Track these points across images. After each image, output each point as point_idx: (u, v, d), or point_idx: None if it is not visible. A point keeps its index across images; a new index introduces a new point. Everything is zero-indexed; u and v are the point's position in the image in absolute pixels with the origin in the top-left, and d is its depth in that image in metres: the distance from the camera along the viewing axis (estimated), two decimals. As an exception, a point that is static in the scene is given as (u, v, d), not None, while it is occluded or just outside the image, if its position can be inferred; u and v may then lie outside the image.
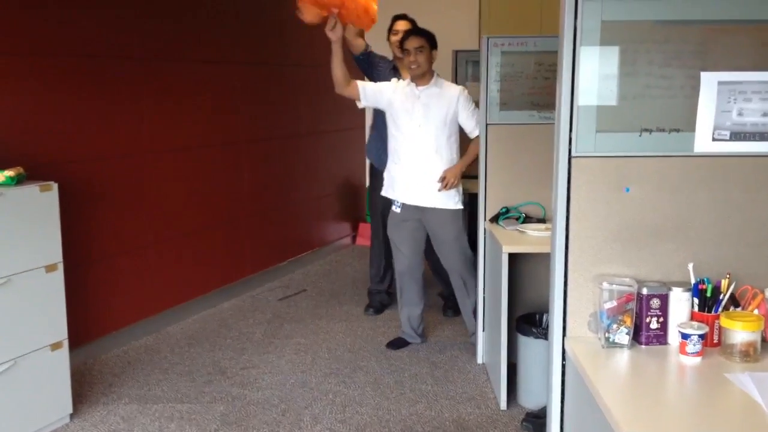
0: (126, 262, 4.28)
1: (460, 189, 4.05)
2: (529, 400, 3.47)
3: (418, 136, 3.97)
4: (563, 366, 2.19)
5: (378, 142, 4.55)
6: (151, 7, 4.36)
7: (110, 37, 4.11)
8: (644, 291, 2.10)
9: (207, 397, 3.64)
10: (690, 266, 2.13)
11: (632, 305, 2.08)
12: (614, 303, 2.07)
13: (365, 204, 6.64)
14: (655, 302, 2.10)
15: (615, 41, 2.12)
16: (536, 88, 3.88)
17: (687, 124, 2.14)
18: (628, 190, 2.15)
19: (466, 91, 4.02)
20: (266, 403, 3.56)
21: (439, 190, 3.95)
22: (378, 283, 4.97)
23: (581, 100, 2.12)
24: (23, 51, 3.59)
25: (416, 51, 3.89)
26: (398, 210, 4.08)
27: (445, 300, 4.89)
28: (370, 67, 4.49)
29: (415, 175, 4.00)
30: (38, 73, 3.70)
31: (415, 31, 4.05)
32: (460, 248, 4.07)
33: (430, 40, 3.95)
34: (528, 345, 3.44)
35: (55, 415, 3.29)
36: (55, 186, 3.18)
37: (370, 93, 3.99)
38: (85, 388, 3.68)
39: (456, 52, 5.89)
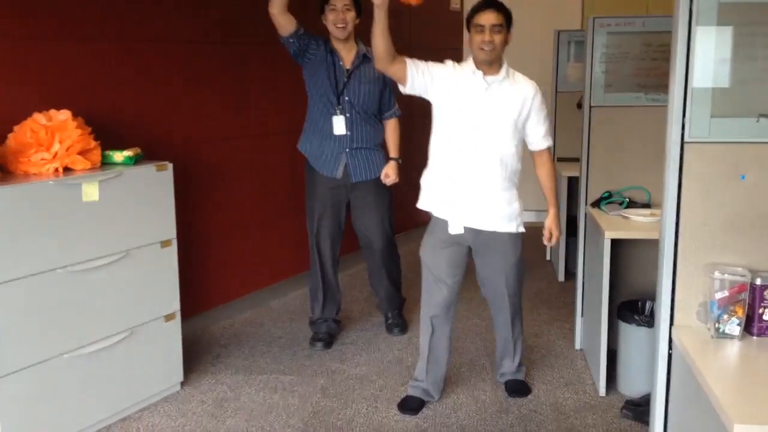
0: (232, 239, 4.45)
1: (521, 209, 3.26)
2: (628, 388, 3.42)
3: (481, 141, 3.10)
4: (669, 355, 2.16)
5: (310, 133, 3.93)
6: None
7: (221, 23, 4.26)
8: (758, 281, 2.04)
9: (308, 370, 3.77)
10: (809, 257, 2.05)
11: (745, 296, 2.03)
12: (726, 293, 2.02)
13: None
14: (770, 293, 2.04)
15: (732, 22, 2.05)
16: (643, 69, 3.78)
17: (809, 109, 2.05)
18: (743, 177, 2.09)
19: (540, 91, 3.21)
20: (364, 379, 3.65)
21: (548, 244, 3.34)
22: (321, 310, 4.10)
23: (696, 82, 2.06)
24: (142, 37, 3.78)
25: (493, 29, 3.03)
26: (460, 229, 3.17)
27: (386, 316, 4.29)
28: (300, 53, 3.76)
29: (476, 190, 3.13)
30: (156, 58, 3.88)
31: (493, 3, 3.09)
32: (518, 275, 3.31)
33: (508, 18, 3.12)
34: (630, 332, 3.38)
35: (168, 382, 3.48)
36: (170, 166, 3.34)
37: (419, 75, 3.08)
38: (194, 358, 3.88)
39: (558, 32, 5.78)
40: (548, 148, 3.27)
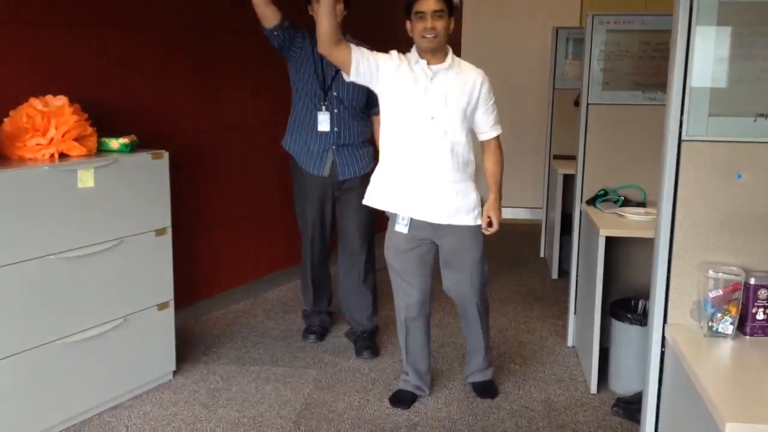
0: (227, 230, 4.45)
1: (479, 200, 3.20)
2: (620, 386, 3.43)
3: (431, 131, 3.03)
4: (662, 353, 2.17)
5: (295, 131, 3.80)
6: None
7: (219, 13, 4.24)
8: (752, 281, 2.05)
9: (300, 362, 3.77)
10: (803, 258, 2.06)
11: (738, 295, 2.04)
12: (720, 292, 2.03)
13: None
14: (763, 293, 2.05)
15: (732, 22, 2.05)
16: (641, 67, 3.78)
17: (807, 110, 2.05)
18: (739, 176, 2.09)
19: (488, 79, 3.12)
20: (357, 372, 3.66)
21: (488, 233, 3.20)
22: (313, 302, 4.08)
23: (695, 81, 2.07)
24: (140, 24, 3.76)
25: (434, 15, 2.96)
26: (405, 229, 3.11)
27: (356, 340, 3.96)
28: (285, 46, 3.63)
29: (427, 182, 3.07)
30: (152, 47, 3.86)
31: None
32: (482, 271, 3.23)
33: (449, 4, 3.03)
34: (622, 330, 3.39)
35: (160, 371, 3.47)
36: (166, 154, 3.33)
37: (364, 62, 3.00)
38: (187, 348, 3.87)
39: (557, 29, 5.78)
40: (497, 137, 3.22)
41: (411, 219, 3.11)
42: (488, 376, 3.46)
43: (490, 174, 3.25)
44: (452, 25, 3.07)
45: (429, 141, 3.04)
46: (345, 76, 3.10)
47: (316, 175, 3.75)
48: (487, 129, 3.18)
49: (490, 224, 3.18)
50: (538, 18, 6.61)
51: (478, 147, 3.22)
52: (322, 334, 4.06)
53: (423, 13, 2.97)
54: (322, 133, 3.69)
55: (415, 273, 3.18)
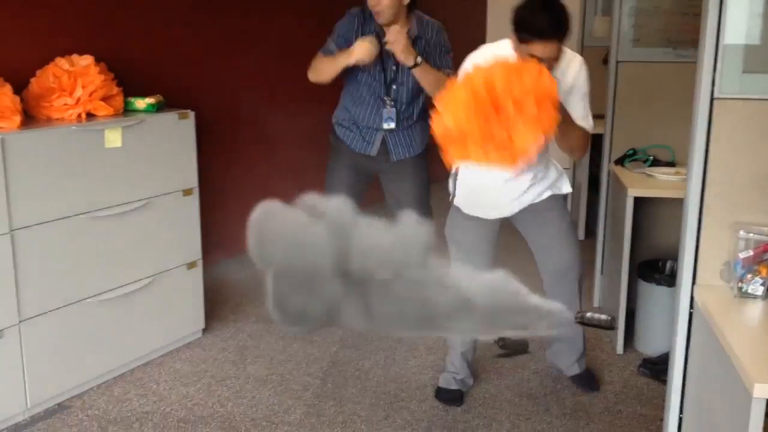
0: (255, 190, 4.46)
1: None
2: (647, 347, 3.42)
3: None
4: (690, 314, 2.15)
5: (348, 104, 3.39)
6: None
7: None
8: (784, 242, 2.01)
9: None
10: (837, 218, 2.02)
11: (770, 256, 2.00)
12: (750, 252, 2.00)
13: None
14: (795, 254, 2.01)
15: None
16: (673, 24, 3.69)
17: None
18: (773, 135, 2.04)
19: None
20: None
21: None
22: None
23: (728, 38, 2.01)
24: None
25: None
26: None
27: None
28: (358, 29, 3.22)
29: (498, 182, 2.77)
30: (180, 4, 3.84)
31: None
32: (575, 236, 2.99)
33: None
34: (650, 291, 3.37)
35: (189, 329, 3.53)
36: (192, 114, 3.34)
37: None
38: (216, 306, 3.92)
39: (586, -16, 5.65)
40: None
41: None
42: (584, 365, 3.17)
43: None
44: None
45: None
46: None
47: (358, 153, 3.41)
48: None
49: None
50: (568, -27, 6.46)
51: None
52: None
53: None
54: (380, 120, 3.32)
55: (485, 251, 2.91)
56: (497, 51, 2.54)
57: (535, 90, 1.98)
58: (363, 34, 3.16)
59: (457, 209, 2.91)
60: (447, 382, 3.11)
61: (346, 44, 3.15)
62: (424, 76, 3.11)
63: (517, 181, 2.76)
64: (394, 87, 3.27)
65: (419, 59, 3.06)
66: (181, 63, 3.90)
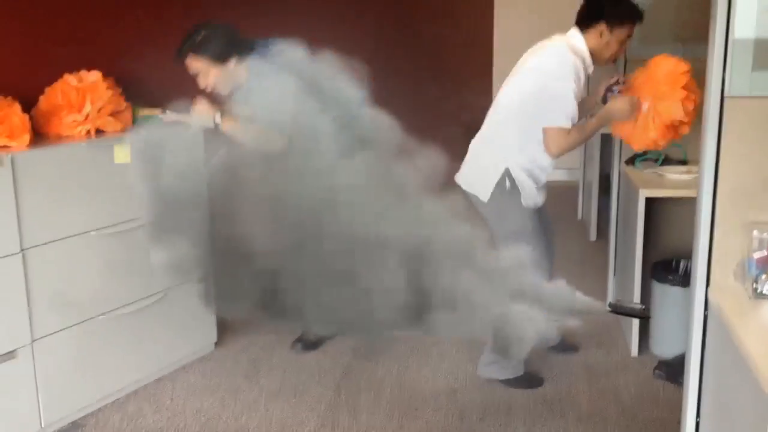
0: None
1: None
2: (661, 348, 3.39)
3: None
4: (705, 315, 2.12)
5: None
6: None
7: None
8: (799, 241, 1.98)
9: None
10: None
11: (785, 255, 1.98)
12: (765, 252, 1.98)
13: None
14: (811, 253, 1.99)
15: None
16: (681, 19, 3.66)
17: None
18: (785, 133, 2.02)
19: None
20: (395, 340, 3.67)
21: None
22: None
23: (738, 32, 1.98)
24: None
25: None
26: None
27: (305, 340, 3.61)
28: None
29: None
30: (184, 21, 3.84)
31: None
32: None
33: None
34: (663, 292, 3.34)
35: (202, 343, 3.53)
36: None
37: None
38: (227, 319, 3.91)
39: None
40: None
41: None
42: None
43: None
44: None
45: None
46: None
47: None
48: None
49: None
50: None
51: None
52: (312, 342, 3.64)
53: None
54: None
55: (540, 232, 3.17)
56: (575, 46, 2.89)
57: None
58: None
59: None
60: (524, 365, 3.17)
61: None
62: None
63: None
64: None
65: None
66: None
